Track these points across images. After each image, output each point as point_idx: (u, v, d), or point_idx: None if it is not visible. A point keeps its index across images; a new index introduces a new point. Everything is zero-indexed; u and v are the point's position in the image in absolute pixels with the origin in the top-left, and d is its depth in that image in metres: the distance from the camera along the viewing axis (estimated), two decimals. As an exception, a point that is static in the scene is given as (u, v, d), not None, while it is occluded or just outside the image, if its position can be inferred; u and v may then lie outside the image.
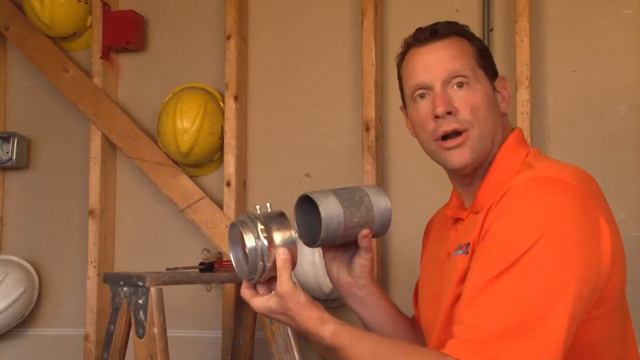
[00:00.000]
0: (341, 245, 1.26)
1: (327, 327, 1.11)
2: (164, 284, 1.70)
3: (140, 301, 1.67)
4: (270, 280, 1.16)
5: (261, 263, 1.12)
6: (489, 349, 0.96)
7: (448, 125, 1.16)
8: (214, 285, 2.41)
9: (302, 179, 2.37)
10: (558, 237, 0.99)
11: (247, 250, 1.12)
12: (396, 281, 2.27)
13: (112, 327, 1.76)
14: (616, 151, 2.11)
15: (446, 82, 1.17)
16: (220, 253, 2.36)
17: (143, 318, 1.66)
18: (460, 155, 1.16)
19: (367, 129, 2.24)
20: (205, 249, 2.40)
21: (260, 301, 1.14)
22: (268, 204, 1.17)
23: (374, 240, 2.11)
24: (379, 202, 1.22)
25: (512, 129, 1.23)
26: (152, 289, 1.67)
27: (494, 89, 1.20)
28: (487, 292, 0.99)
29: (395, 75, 2.28)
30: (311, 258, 2.13)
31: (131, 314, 1.70)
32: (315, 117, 2.39)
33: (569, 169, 1.10)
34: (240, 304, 2.10)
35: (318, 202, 1.17)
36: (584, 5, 2.16)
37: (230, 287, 2.30)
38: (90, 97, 2.51)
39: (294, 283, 1.13)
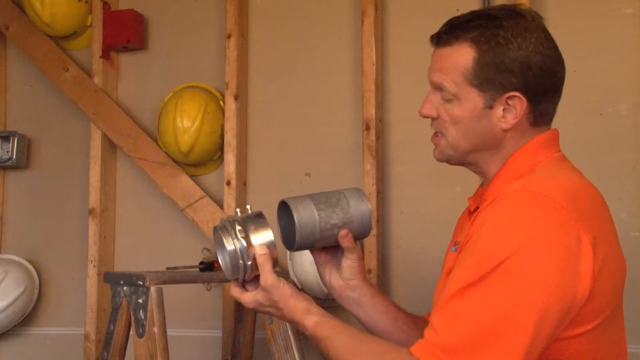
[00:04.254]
0: (330, 248, 1.28)
1: (310, 318, 1.15)
2: (164, 283, 1.70)
3: (140, 300, 1.67)
4: (257, 278, 1.20)
5: (241, 262, 1.17)
6: (451, 357, 0.99)
7: (431, 125, 1.23)
8: (214, 285, 2.41)
9: (302, 178, 2.37)
10: (530, 256, 1.00)
11: (227, 252, 1.17)
12: (397, 279, 2.27)
13: (112, 327, 1.76)
14: (617, 150, 2.11)
15: (436, 89, 1.21)
16: None
17: (143, 317, 1.66)
18: (434, 153, 1.24)
19: (367, 128, 2.24)
20: (206, 248, 2.40)
21: (249, 296, 1.20)
22: (248, 206, 1.23)
23: (372, 240, 2.19)
24: (357, 204, 1.24)
25: (543, 133, 1.21)
26: (152, 288, 1.67)
27: (491, 106, 1.16)
28: (458, 300, 1.01)
29: (396, 74, 2.31)
30: (312, 257, 2.11)
31: (131, 313, 1.70)
32: (315, 116, 2.39)
33: (563, 185, 1.09)
34: (240, 304, 2.08)
35: (292, 207, 1.20)
36: (584, 5, 2.15)
37: (230, 286, 2.27)
38: (91, 96, 2.51)
39: (277, 276, 1.17)
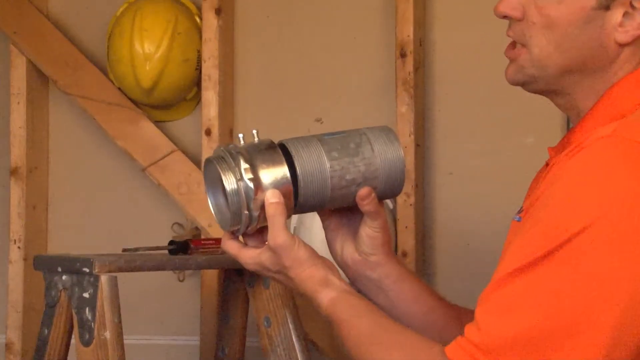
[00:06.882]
0: (345, 210, 1.28)
1: (326, 293, 1.18)
2: (120, 270, 1.68)
3: (85, 294, 1.64)
4: (262, 230, 1.22)
5: (246, 212, 1.18)
6: None
7: (508, 31, 1.19)
8: (189, 273, 2.42)
9: (311, 126, 2.33)
10: (613, 229, 0.99)
11: (227, 195, 1.18)
12: (443, 265, 2.27)
13: (46, 332, 1.73)
14: None
15: None
16: (197, 228, 2.36)
17: (90, 318, 1.64)
18: (508, 71, 1.20)
19: (403, 55, 2.20)
20: (177, 222, 2.42)
21: (249, 255, 1.23)
22: (254, 131, 1.23)
23: (409, 211, 2.19)
24: (385, 150, 1.24)
25: None
26: (103, 278, 1.62)
27: (608, 7, 1.13)
28: (510, 284, 1.02)
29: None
30: (323, 235, 2.12)
31: (73, 313, 1.66)
32: (329, 40, 2.36)
33: None
34: (227, 298, 2.05)
35: (293, 154, 1.20)
36: None
37: (211, 274, 2.28)
38: (9, 7, 2.46)
39: (291, 233, 1.19)
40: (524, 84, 1.20)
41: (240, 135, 1.22)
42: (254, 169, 1.18)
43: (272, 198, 1.17)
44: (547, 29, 1.15)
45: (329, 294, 1.18)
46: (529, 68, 1.17)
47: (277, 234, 1.18)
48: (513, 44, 1.19)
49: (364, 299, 1.20)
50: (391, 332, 1.13)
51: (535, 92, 1.21)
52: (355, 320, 1.15)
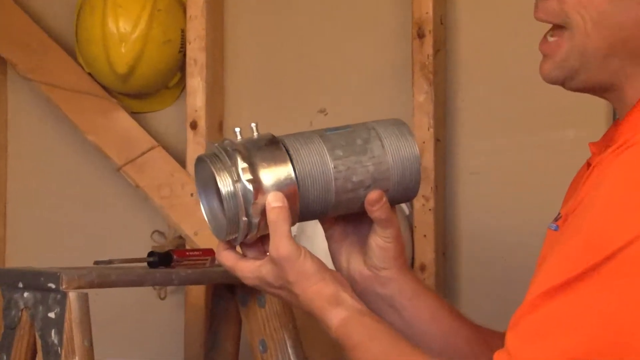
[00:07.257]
0: (351, 217, 1.29)
1: (336, 313, 1.18)
2: (91, 286, 1.69)
3: (51, 314, 1.65)
4: (263, 239, 1.23)
5: (245, 218, 1.19)
6: None
7: (535, 11, 1.18)
8: (172, 289, 2.43)
9: (313, 118, 2.35)
10: None
11: (222, 199, 1.19)
12: (467, 279, 2.28)
13: (5, 358, 1.73)
14: None
15: None
16: (181, 237, 2.37)
17: (56, 342, 1.64)
18: (544, 67, 1.20)
19: (420, 35, 2.21)
20: (157, 230, 2.43)
21: (248, 267, 1.23)
22: (253, 125, 1.23)
23: (427, 217, 2.19)
24: (398, 147, 1.24)
25: None
26: (72, 295, 1.63)
27: None
28: (546, 306, 1.01)
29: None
30: (326, 245, 2.13)
31: (37, 336, 1.67)
32: (335, 20, 2.38)
33: None
34: (215, 319, 2.07)
35: (291, 152, 1.21)
36: None
37: (197, 291, 2.30)
38: None
39: (297, 243, 1.19)
40: (564, 81, 1.18)
41: (237, 130, 1.21)
42: (253, 169, 1.18)
43: (274, 202, 1.18)
44: (579, 5, 1.14)
45: (340, 314, 1.18)
46: (570, 58, 1.16)
47: (280, 243, 1.18)
48: (550, 34, 1.19)
49: (380, 319, 1.21)
50: (408, 354, 1.14)
51: (576, 89, 1.20)
52: (368, 343, 1.16)
